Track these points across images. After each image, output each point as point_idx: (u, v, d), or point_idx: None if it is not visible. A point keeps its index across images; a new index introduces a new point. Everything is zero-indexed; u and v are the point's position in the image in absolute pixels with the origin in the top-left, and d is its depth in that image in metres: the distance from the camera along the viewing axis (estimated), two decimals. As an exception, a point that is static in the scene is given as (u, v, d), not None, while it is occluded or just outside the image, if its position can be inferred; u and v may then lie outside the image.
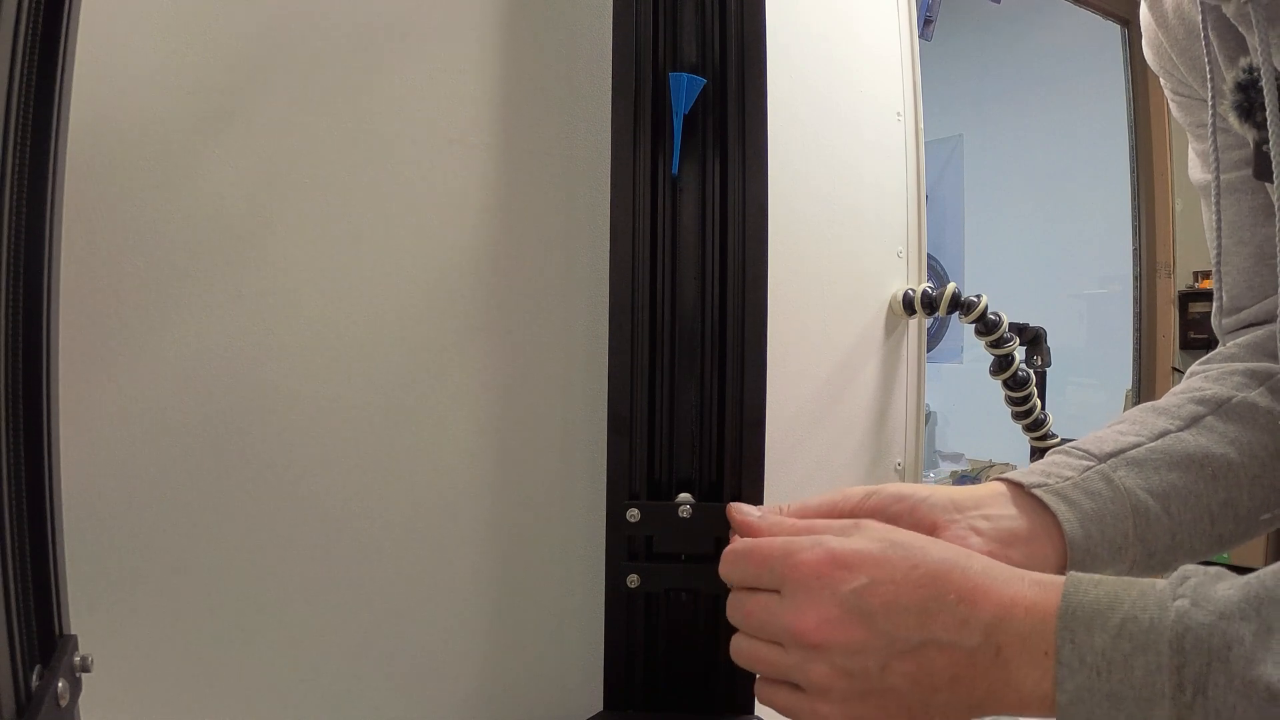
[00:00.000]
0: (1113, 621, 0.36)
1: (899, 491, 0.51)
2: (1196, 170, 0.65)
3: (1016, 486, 0.51)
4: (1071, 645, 0.37)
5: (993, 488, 0.52)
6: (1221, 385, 0.57)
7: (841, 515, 0.50)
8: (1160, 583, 0.38)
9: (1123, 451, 0.53)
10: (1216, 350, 0.62)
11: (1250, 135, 0.53)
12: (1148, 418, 0.56)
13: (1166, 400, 0.58)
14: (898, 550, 0.41)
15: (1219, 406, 0.55)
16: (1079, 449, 0.53)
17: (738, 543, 0.47)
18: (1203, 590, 0.36)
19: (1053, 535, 0.49)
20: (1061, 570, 0.47)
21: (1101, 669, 0.36)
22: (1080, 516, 0.49)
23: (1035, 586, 0.39)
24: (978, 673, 0.39)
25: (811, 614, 0.41)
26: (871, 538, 0.42)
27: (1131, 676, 0.35)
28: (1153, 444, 0.53)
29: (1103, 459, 0.52)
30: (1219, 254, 0.59)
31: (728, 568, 0.47)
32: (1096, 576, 0.39)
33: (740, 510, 0.52)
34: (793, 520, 0.49)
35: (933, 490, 0.51)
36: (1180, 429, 0.54)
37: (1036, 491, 0.50)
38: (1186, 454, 0.53)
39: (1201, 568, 0.38)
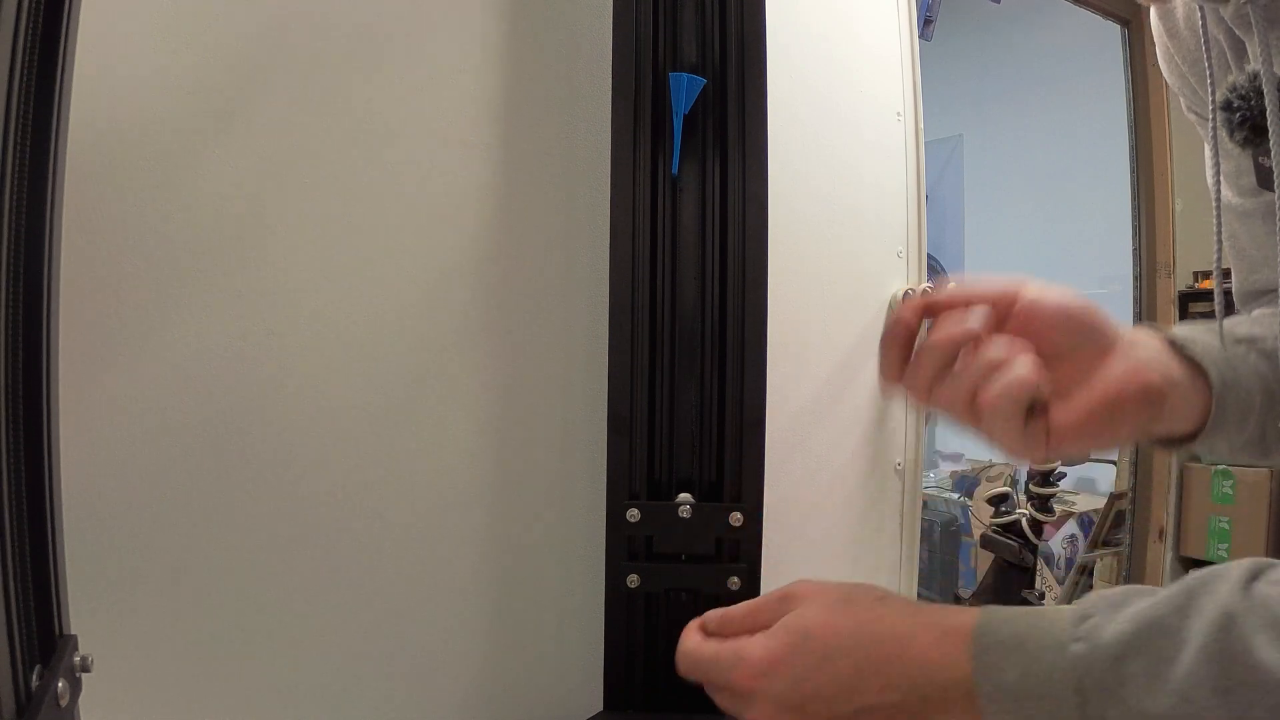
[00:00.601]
0: (1019, 663, 0.42)
1: (1067, 306, 0.51)
2: (1227, 190, 0.65)
3: (1170, 344, 0.53)
4: (987, 682, 0.42)
5: (1152, 337, 0.54)
6: None
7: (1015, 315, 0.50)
8: (1063, 618, 0.42)
9: (1255, 340, 0.56)
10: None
11: (1238, 151, 0.54)
12: (1264, 321, 0.58)
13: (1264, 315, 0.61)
14: (810, 643, 0.47)
15: None
16: (1212, 330, 0.55)
17: (681, 651, 0.52)
18: (1098, 633, 0.40)
19: (1200, 393, 0.52)
20: (1201, 425, 0.52)
21: (1017, 698, 0.42)
22: (1223, 384, 0.52)
23: (944, 636, 0.44)
24: (911, 713, 0.45)
25: (758, 711, 0.48)
26: (787, 630, 0.48)
27: (1042, 707, 0.41)
28: (1276, 342, 0.56)
29: (1239, 341, 0.55)
30: (1225, 247, 0.60)
31: (682, 668, 0.53)
32: (1005, 614, 0.44)
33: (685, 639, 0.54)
34: (737, 618, 0.52)
35: (1104, 317, 0.53)
36: None
37: (1192, 351, 0.52)
38: None
39: (1104, 599, 0.42)
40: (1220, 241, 0.60)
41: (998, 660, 0.42)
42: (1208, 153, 0.66)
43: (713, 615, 0.54)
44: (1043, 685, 0.41)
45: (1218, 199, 0.59)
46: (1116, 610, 0.41)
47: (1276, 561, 0.41)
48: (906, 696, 0.45)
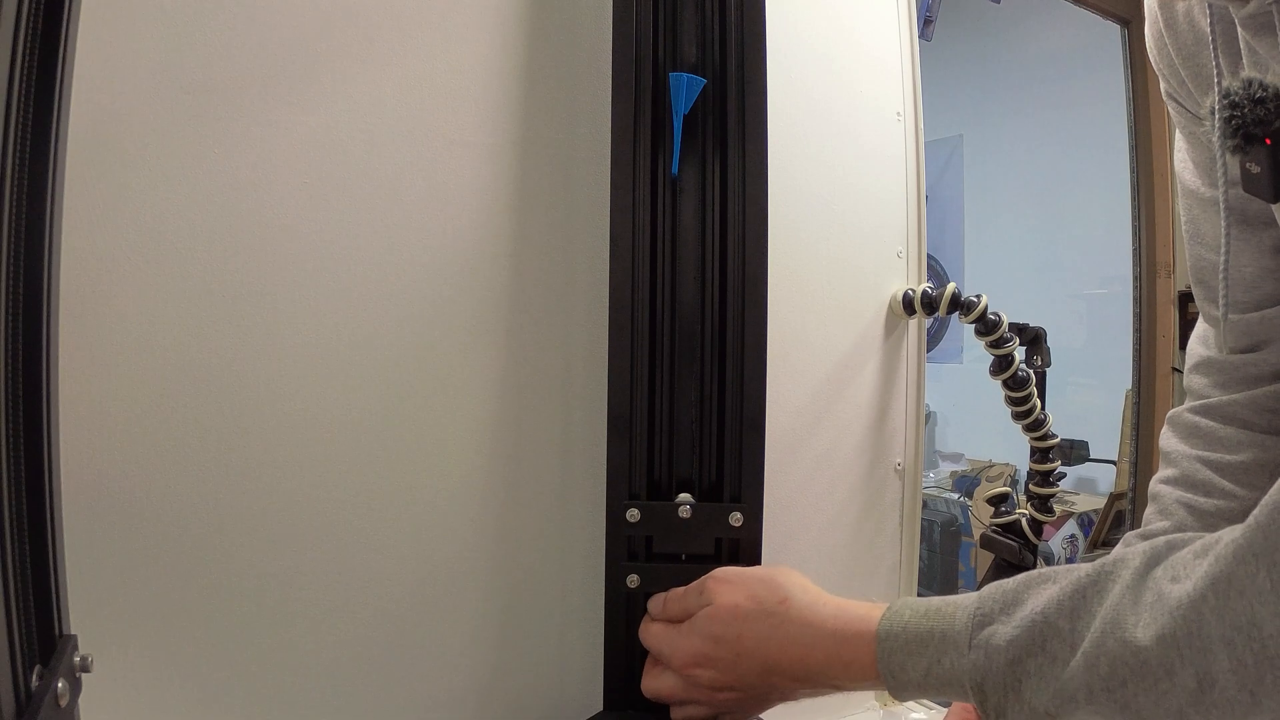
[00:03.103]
0: (921, 664, 0.47)
1: None
2: (1189, 174, 0.65)
3: None
4: (894, 678, 0.48)
5: None
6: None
7: None
8: (960, 619, 0.46)
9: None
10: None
11: (1230, 159, 0.54)
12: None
13: None
14: (722, 647, 0.54)
15: None
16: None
17: (643, 628, 0.61)
18: (994, 639, 0.44)
19: None
20: None
21: (921, 689, 0.47)
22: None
23: (844, 644, 0.50)
24: (824, 691, 0.53)
25: (697, 692, 0.56)
26: (702, 634, 0.55)
27: (947, 694, 0.46)
28: None
29: None
30: (1227, 259, 0.60)
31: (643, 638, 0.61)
32: (905, 617, 0.48)
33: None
34: (670, 602, 0.60)
35: None
36: None
37: None
38: None
39: (1000, 597, 0.46)
40: (1228, 243, 0.60)
41: (901, 661, 0.47)
42: (1180, 139, 0.66)
43: (655, 603, 0.61)
44: (946, 683, 0.46)
45: (1226, 202, 0.59)
46: (1011, 612, 0.45)
47: (1178, 540, 0.43)
48: (818, 684, 0.52)
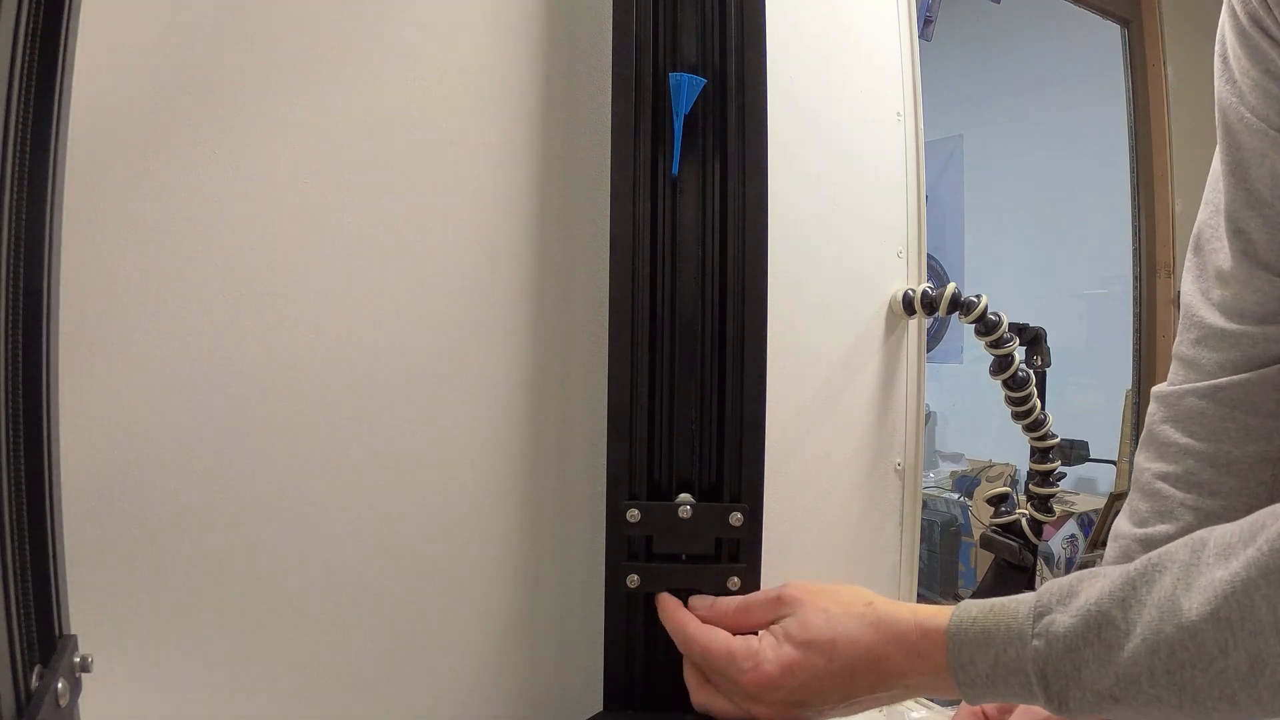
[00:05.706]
0: (988, 657, 0.49)
1: None
2: (1247, 110, 0.57)
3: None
4: (963, 672, 0.50)
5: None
6: None
7: None
8: (1022, 612, 0.49)
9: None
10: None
11: None
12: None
13: None
14: (812, 652, 0.54)
15: None
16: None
17: (686, 634, 0.58)
18: (1053, 628, 0.47)
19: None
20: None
21: (989, 683, 0.49)
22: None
23: (924, 637, 0.51)
24: (900, 697, 0.54)
25: (763, 710, 0.55)
26: (795, 641, 0.54)
27: (1011, 690, 0.48)
28: None
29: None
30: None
31: (687, 650, 0.59)
32: (973, 615, 0.50)
33: (684, 608, 0.61)
34: (727, 611, 0.59)
35: None
36: None
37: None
38: None
39: (1056, 591, 0.48)
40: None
41: (970, 655, 0.49)
42: (1237, 70, 0.57)
43: (701, 604, 0.60)
44: (1011, 673, 0.48)
45: None
46: (1067, 603, 0.47)
47: (1216, 530, 0.44)
48: (894, 688, 0.53)
